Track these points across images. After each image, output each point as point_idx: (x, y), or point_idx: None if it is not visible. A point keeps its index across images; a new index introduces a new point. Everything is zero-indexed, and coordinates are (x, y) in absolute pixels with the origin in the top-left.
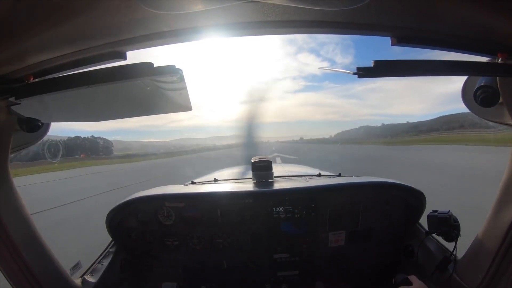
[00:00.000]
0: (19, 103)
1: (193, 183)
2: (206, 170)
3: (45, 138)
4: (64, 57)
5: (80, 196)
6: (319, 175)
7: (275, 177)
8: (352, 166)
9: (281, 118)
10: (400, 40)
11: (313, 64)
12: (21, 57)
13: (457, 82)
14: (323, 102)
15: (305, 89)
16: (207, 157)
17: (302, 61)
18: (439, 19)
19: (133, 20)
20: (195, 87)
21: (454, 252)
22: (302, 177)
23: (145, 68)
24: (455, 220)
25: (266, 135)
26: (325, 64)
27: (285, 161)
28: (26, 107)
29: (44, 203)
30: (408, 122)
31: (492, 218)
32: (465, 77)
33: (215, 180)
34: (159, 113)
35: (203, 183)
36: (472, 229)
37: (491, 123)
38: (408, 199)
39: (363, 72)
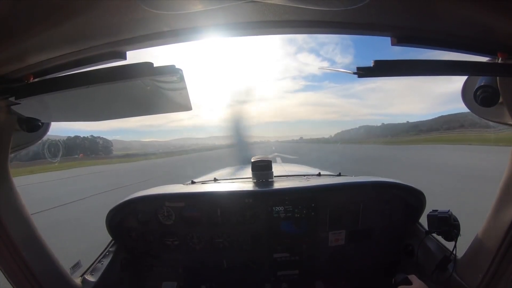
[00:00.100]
0: (19, 103)
1: (193, 182)
2: (206, 170)
3: (45, 138)
4: (64, 57)
5: (78, 197)
6: (319, 174)
7: (275, 176)
8: (353, 166)
9: (281, 117)
10: (400, 40)
11: (313, 64)
12: (21, 57)
13: (457, 82)
14: (323, 102)
15: (305, 88)
16: (207, 156)
17: (302, 61)
18: (439, 19)
19: (133, 20)
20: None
21: (454, 252)
22: (302, 176)
23: (145, 68)
24: (455, 219)
25: (266, 134)
26: (325, 64)
27: (285, 161)
28: (26, 107)
29: (42, 204)
30: (408, 121)
31: (492, 217)
32: (465, 77)
33: (215, 180)
34: (159, 113)
35: (203, 182)
36: (472, 229)
37: (491, 123)
38: (408, 199)
39: (363, 72)
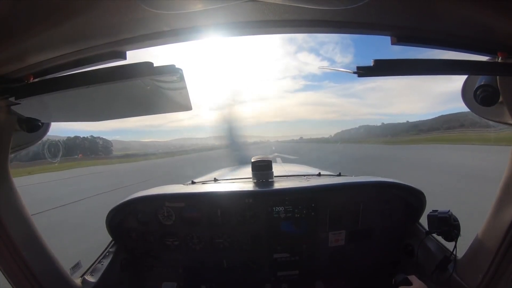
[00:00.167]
0: (19, 103)
1: (193, 182)
2: (206, 170)
3: (44, 138)
4: (64, 57)
5: (78, 197)
6: (319, 174)
7: (275, 176)
8: (353, 166)
9: (281, 117)
10: (400, 39)
11: (313, 64)
12: (21, 57)
13: (457, 81)
14: (323, 102)
15: (305, 88)
16: (207, 156)
17: (302, 61)
18: (439, 18)
19: (133, 20)
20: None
21: (454, 252)
22: (302, 176)
23: (145, 68)
24: (455, 219)
25: (266, 134)
26: (325, 63)
27: (285, 161)
28: (26, 107)
29: (42, 204)
30: (408, 121)
31: (492, 217)
32: (465, 76)
33: (215, 180)
34: (159, 113)
35: (203, 182)
36: (472, 229)
37: (491, 122)
38: (408, 199)
39: (363, 71)
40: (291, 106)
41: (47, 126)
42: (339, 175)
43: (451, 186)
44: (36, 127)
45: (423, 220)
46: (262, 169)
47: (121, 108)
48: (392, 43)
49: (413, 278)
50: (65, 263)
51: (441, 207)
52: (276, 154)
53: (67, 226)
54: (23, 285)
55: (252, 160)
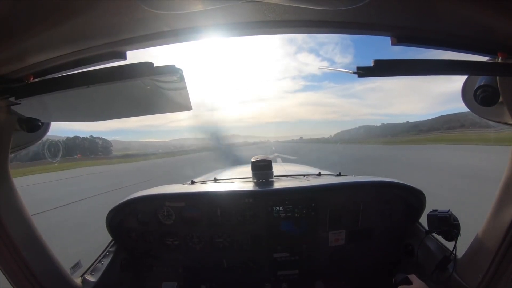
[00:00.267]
0: (19, 103)
1: (193, 182)
2: (206, 169)
3: (44, 138)
4: (64, 57)
5: (78, 197)
6: (319, 174)
7: (275, 176)
8: (354, 166)
9: (281, 118)
10: (400, 39)
11: (313, 64)
12: (21, 57)
13: (457, 82)
14: (322, 102)
15: (305, 88)
16: (206, 156)
17: (301, 61)
18: (439, 18)
19: (133, 20)
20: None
21: (454, 252)
22: (302, 176)
23: (145, 68)
24: (455, 219)
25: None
26: (325, 63)
27: (285, 162)
28: (26, 107)
29: (41, 205)
30: (408, 121)
31: (492, 217)
32: (465, 77)
33: (215, 180)
34: (159, 113)
35: (203, 182)
36: (472, 228)
37: (491, 123)
38: (408, 198)
39: (363, 72)
40: (291, 107)
41: (47, 126)
42: (339, 175)
43: (451, 186)
44: (36, 127)
45: (423, 220)
46: (262, 169)
47: (121, 108)
48: (392, 44)
49: (413, 277)
50: (65, 263)
51: (441, 207)
52: (276, 154)
53: (67, 226)
54: (23, 285)
55: (252, 160)
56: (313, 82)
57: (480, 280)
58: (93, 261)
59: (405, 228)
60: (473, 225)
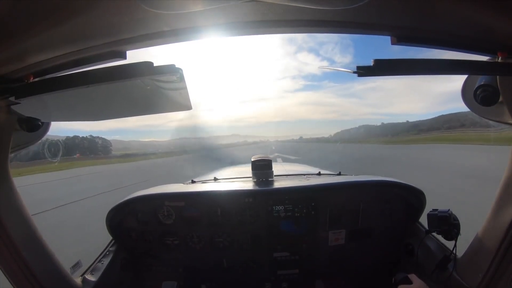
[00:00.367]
0: (19, 103)
1: (193, 182)
2: (206, 169)
3: (44, 137)
4: (64, 57)
5: (78, 198)
6: (319, 174)
7: (275, 176)
8: (355, 166)
9: (280, 117)
10: (400, 39)
11: (313, 64)
12: (21, 57)
13: (457, 81)
14: (322, 101)
15: (305, 88)
16: (207, 156)
17: (301, 61)
18: (439, 18)
19: (133, 20)
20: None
21: (454, 251)
22: (302, 176)
23: (145, 68)
24: (455, 219)
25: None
26: (325, 63)
27: (286, 162)
28: (26, 107)
29: (41, 205)
30: (408, 121)
31: (492, 217)
32: (465, 76)
33: (215, 179)
34: (159, 113)
35: (203, 182)
36: (472, 228)
37: (491, 122)
38: (408, 198)
39: (363, 71)
40: (291, 106)
41: (47, 126)
42: (339, 174)
43: (451, 185)
44: (36, 127)
45: (423, 219)
46: (262, 168)
47: (121, 107)
48: (392, 43)
49: (413, 277)
50: (65, 263)
51: (441, 206)
52: (276, 154)
53: (67, 226)
54: (24, 285)
55: (252, 160)
56: (313, 81)
57: (480, 280)
58: (93, 261)
59: (405, 228)
60: (473, 225)
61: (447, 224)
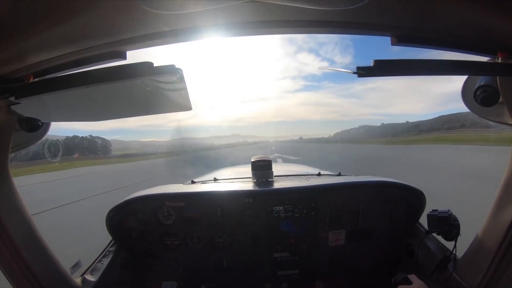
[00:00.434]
0: (19, 103)
1: (193, 182)
2: (206, 168)
3: (44, 137)
4: (64, 57)
5: (77, 198)
6: (319, 174)
7: (275, 176)
8: (355, 166)
9: (280, 117)
10: (400, 39)
11: (313, 64)
12: (21, 57)
13: (457, 82)
14: (322, 102)
15: (305, 88)
16: (206, 156)
17: (301, 61)
18: (439, 18)
19: (133, 20)
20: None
21: (454, 251)
22: (302, 176)
23: (145, 68)
24: (455, 219)
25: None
26: (325, 63)
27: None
28: (26, 107)
29: (41, 205)
30: (407, 121)
31: (492, 217)
32: (465, 77)
33: (215, 180)
34: (159, 113)
35: (203, 182)
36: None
37: (491, 123)
38: (408, 199)
39: (363, 72)
40: (291, 106)
41: (47, 126)
42: (339, 174)
43: (451, 185)
44: (36, 127)
45: (423, 220)
46: (262, 169)
47: (121, 108)
48: (392, 44)
49: (413, 277)
50: (65, 263)
51: (441, 207)
52: (277, 154)
53: (67, 226)
54: (24, 285)
55: (252, 160)
56: (313, 82)
57: (480, 280)
58: (93, 261)
59: (405, 228)
60: (473, 225)
61: (447, 224)
